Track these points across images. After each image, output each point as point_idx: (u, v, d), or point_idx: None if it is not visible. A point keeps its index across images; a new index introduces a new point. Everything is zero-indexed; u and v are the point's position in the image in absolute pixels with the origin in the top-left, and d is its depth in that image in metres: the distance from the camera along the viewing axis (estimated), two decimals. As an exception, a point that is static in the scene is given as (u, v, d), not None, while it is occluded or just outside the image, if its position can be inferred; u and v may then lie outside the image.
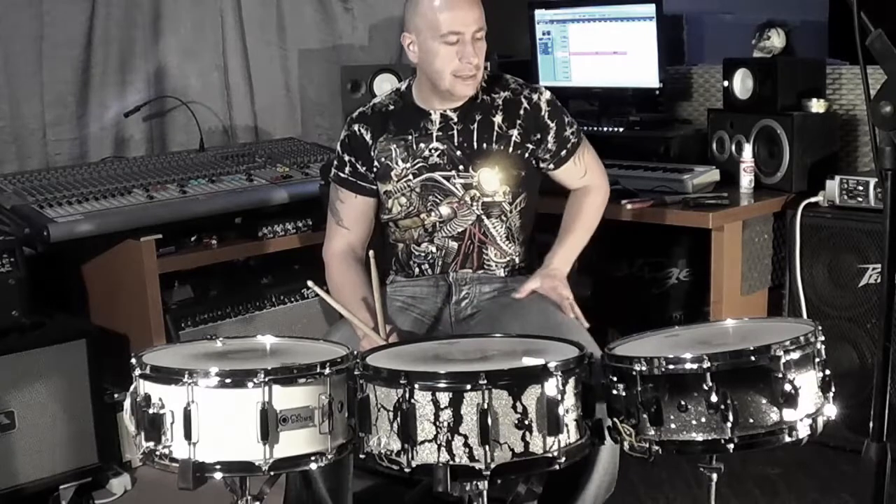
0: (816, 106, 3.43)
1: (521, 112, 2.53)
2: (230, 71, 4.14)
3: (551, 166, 2.59)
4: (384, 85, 4.01)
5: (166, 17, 3.93)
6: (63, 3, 3.66)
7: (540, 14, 4.05)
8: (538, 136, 2.53)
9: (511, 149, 2.51)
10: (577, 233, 2.59)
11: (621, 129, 3.84)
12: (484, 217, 2.52)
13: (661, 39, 3.67)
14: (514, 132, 2.52)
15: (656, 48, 3.68)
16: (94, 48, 3.76)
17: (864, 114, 3.40)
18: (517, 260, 2.60)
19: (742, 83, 3.55)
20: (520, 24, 4.12)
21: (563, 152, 2.58)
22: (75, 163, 3.67)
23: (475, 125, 2.51)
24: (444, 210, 2.52)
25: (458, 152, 2.51)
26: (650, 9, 3.66)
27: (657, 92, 3.75)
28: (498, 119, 2.52)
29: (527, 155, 2.53)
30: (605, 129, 3.87)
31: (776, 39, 3.67)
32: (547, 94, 2.58)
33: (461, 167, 2.50)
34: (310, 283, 2.38)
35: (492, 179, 2.51)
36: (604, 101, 4.00)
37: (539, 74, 4.08)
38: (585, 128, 3.85)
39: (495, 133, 2.51)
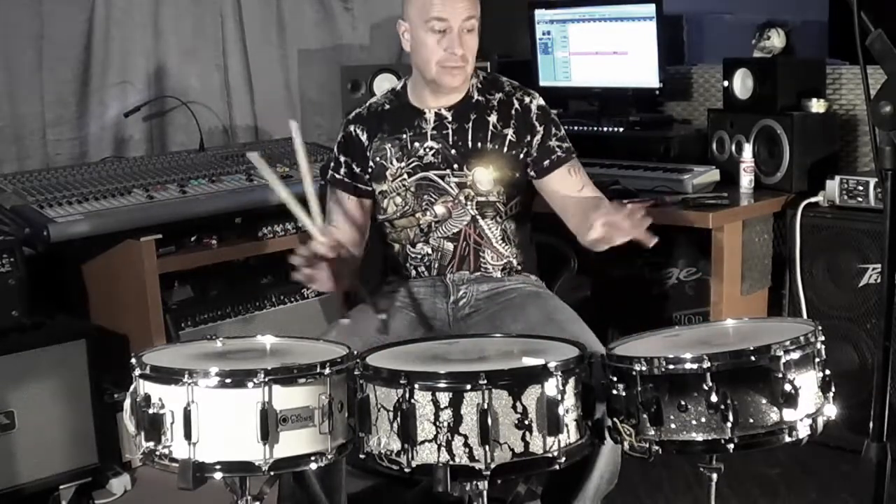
0: (816, 106, 3.43)
1: (513, 112, 2.52)
2: (230, 71, 4.14)
3: (534, 174, 2.53)
4: (384, 85, 4.00)
5: (166, 17, 3.93)
6: (63, 3, 3.66)
7: (540, 14, 4.05)
8: (528, 138, 2.51)
9: (506, 148, 2.50)
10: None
11: (621, 129, 3.84)
12: (479, 217, 2.52)
13: (661, 39, 3.67)
14: (509, 132, 2.51)
15: (656, 48, 3.68)
16: (94, 48, 3.76)
17: (864, 114, 3.41)
18: (514, 262, 2.59)
19: (742, 83, 3.55)
20: (520, 24, 4.13)
21: (546, 162, 2.52)
22: (75, 163, 3.67)
23: (470, 124, 2.51)
24: (439, 209, 2.52)
25: (453, 151, 2.50)
26: (650, 9, 3.66)
27: (657, 92, 3.76)
28: (493, 119, 2.51)
29: (521, 156, 2.52)
30: (605, 129, 3.87)
31: (776, 39, 3.67)
32: (539, 101, 2.56)
33: (455, 166, 2.50)
34: (248, 155, 2.23)
35: (486, 178, 2.49)
36: (604, 101, 4.01)
37: (539, 74, 4.08)
38: (585, 128, 3.90)
39: (490, 132, 2.50)
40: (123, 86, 3.84)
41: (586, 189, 2.55)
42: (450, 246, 2.54)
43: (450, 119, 2.52)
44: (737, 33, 4.17)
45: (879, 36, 1.57)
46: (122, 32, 3.81)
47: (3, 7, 3.52)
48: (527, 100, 2.54)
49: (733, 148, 3.54)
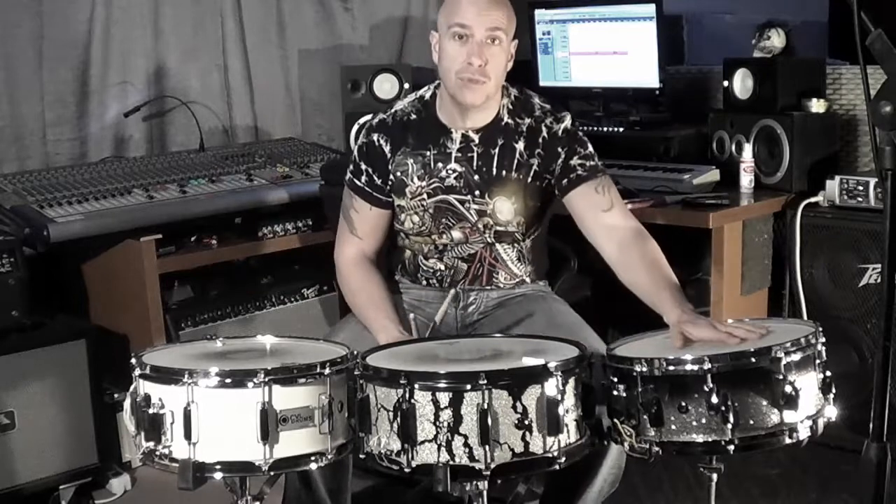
0: (816, 106, 3.43)
1: (541, 140, 2.41)
2: (230, 71, 4.13)
3: (557, 193, 2.43)
4: (384, 85, 4.02)
5: (166, 17, 3.93)
6: (63, 2, 3.66)
7: (540, 14, 4.05)
8: (552, 166, 2.41)
9: (530, 178, 2.41)
10: (673, 280, 2.29)
11: (621, 129, 3.84)
12: (496, 243, 2.46)
13: (661, 39, 3.67)
14: (535, 161, 2.41)
15: (656, 48, 3.68)
16: (94, 48, 3.75)
17: (864, 114, 3.41)
18: (527, 280, 2.55)
19: (742, 83, 3.55)
20: (520, 24, 4.10)
21: (565, 181, 2.38)
22: (75, 163, 3.67)
23: (496, 150, 2.40)
24: (456, 234, 2.44)
25: (476, 177, 2.41)
26: (650, 9, 3.66)
27: (657, 92, 3.76)
28: (520, 146, 2.40)
29: (545, 185, 2.43)
30: (605, 129, 3.87)
31: (776, 39, 3.67)
32: (566, 123, 2.44)
33: (477, 192, 2.41)
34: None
35: (507, 209, 2.41)
36: (604, 101, 4.01)
37: (539, 74, 4.08)
38: (585, 128, 3.88)
39: (516, 161, 2.40)
40: (123, 86, 3.84)
41: (615, 210, 2.37)
42: (463, 266, 2.49)
43: (476, 142, 2.41)
44: (737, 33, 4.17)
45: (879, 36, 1.57)
46: (122, 32, 3.81)
47: (3, 7, 3.52)
48: (556, 126, 2.42)
49: (733, 148, 3.54)
